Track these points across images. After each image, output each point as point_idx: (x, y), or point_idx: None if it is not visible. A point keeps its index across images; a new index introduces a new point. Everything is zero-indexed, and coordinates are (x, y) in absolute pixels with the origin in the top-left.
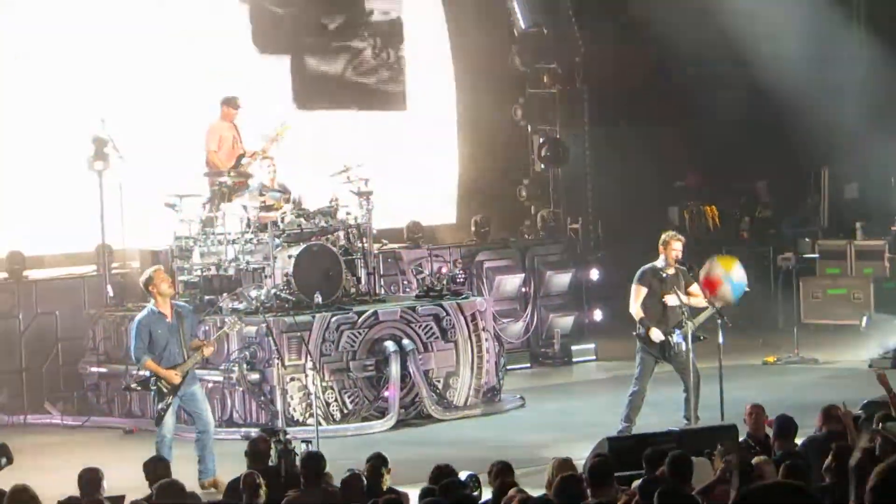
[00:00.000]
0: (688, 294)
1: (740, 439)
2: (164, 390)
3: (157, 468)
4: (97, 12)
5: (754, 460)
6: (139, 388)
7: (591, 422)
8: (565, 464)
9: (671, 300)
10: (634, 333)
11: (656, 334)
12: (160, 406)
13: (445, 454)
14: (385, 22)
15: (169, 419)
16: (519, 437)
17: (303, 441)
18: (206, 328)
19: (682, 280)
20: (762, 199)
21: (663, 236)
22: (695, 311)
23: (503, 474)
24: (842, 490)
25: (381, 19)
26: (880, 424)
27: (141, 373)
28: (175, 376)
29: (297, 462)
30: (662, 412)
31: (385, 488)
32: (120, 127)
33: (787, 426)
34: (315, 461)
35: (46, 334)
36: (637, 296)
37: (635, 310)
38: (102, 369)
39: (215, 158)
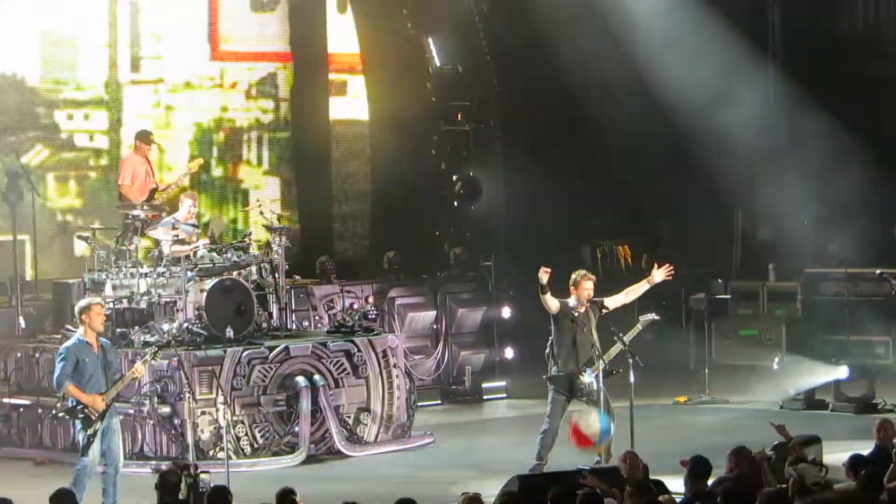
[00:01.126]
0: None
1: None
2: (92, 417)
3: (63, 500)
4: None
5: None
6: (66, 415)
7: (501, 459)
8: (474, 500)
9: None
10: (545, 377)
11: (588, 377)
12: (88, 433)
13: (354, 490)
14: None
15: (95, 448)
16: (429, 473)
17: (201, 472)
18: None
19: (593, 317)
20: (665, 238)
21: (574, 276)
22: (605, 348)
23: None
24: None
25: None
26: (792, 467)
27: (67, 401)
28: (100, 401)
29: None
30: (575, 450)
31: None
32: (33, 159)
33: (700, 467)
34: (221, 496)
35: None
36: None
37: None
38: (14, 400)
39: (129, 192)
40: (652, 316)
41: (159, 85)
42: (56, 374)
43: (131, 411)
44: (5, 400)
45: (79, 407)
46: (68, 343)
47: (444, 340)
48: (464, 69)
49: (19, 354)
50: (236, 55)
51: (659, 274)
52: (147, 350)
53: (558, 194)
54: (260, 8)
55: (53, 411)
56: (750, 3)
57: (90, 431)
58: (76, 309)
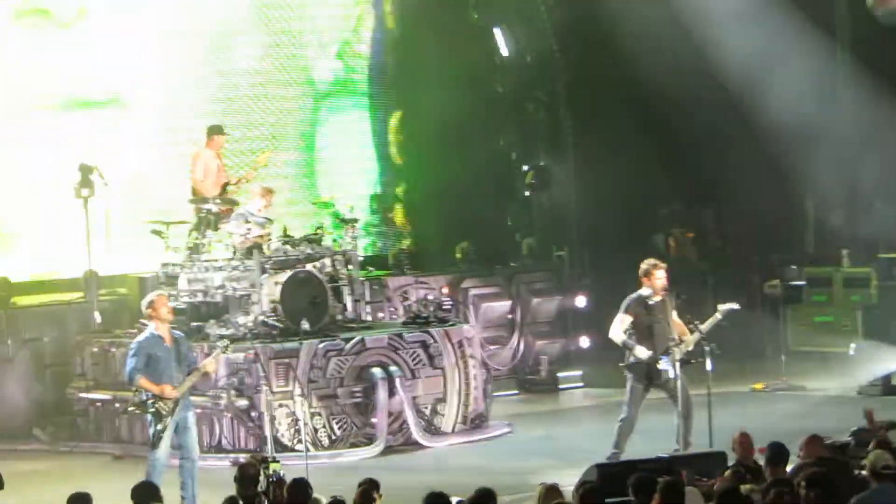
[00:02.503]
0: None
1: (729, 465)
2: (163, 412)
3: (146, 493)
4: (83, 38)
5: (743, 489)
6: (137, 410)
7: (578, 448)
8: (552, 490)
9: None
10: (621, 364)
11: (642, 351)
12: (158, 427)
13: (432, 480)
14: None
15: (165, 443)
16: (506, 463)
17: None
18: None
19: (668, 307)
20: (709, 228)
21: (644, 266)
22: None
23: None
24: None
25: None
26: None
27: (139, 396)
28: (170, 391)
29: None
30: (652, 439)
31: None
32: (106, 153)
33: (779, 453)
34: (301, 488)
35: (35, 361)
36: (620, 323)
37: (616, 335)
38: (91, 395)
39: (201, 187)
40: (731, 305)
41: None
42: (127, 369)
43: (209, 405)
44: (82, 395)
45: (150, 401)
46: (140, 338)
47: (520, 330)
48: (532, 59)
49: (95, 349)
50: None
51: (707, 325)
52: (219, 344)
53: (629, 182)
54: None
55: (122, 406)
56: None
57: (160, 426)
58: (142, 305)
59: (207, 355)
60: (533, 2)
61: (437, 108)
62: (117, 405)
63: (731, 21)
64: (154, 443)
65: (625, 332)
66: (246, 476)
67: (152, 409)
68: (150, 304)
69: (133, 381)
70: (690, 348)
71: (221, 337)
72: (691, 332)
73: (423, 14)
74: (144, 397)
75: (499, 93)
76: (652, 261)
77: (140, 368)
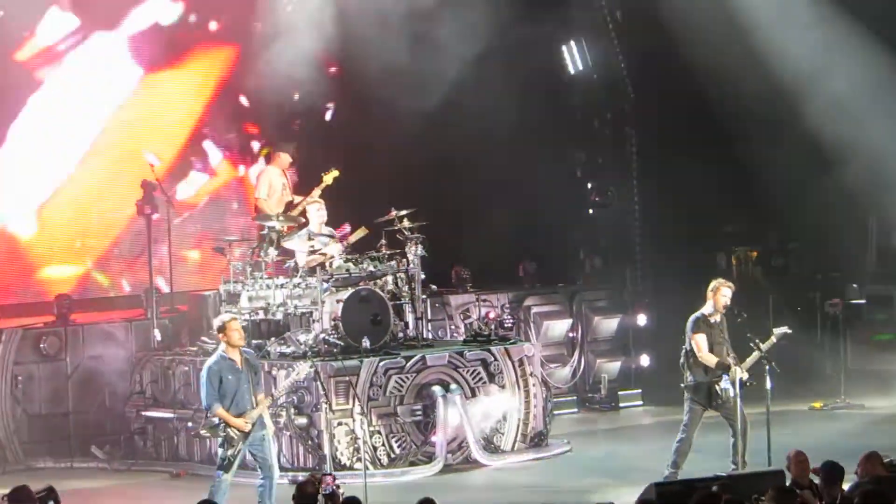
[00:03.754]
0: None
1: (786, 484)
2: (234, 437)
3: None
4: (148, 58)
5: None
6: (209, 434)
7: (637, 467)
8: None
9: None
10: (683, 385)
11: (724, 383)
12: (229, 453)
13: (492, 499)
14: None
15: (234, 467)
16: (566, 482)
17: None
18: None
19: (725, 326)
20: (773, 247)
21: (713, 283)
22: (742, 356)
23: None
24: None
25: None
26: None
27: (211, 420)
28: (245, 424)
29: None
30: (710, 457)
31: None
32: (169, 171)
33: (833, 472)
34: None
35: (93, 378)
36: (703, 345)
37: (708, 358)
38: (149, 413)
39: (264, 205)
40: (784, 329)
41: None
42: (203, 396)
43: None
44: (142, 413)
45: (221, 425)
46: (210, 361)
47: (580, 348)
48: (599, 76)
49: (155, 367)
50: None
51: (767, 345)
52: (307, 365)
53: (693, 200)
54: None
55: (197, 429)
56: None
57: (230, 452)
58: (214, 328)
59: (291, 372)
60: (602, 19)
61: (505, 124)
62: (176, 423)
63: (798, 38)
64: (224, 466)
65: (682, 353)
66: (305, 495)
67: (223, 433)
68: (222, 328)
69: (210, 408)
70: (749, 367)
71: (282, 355)
72: (751, 350)
73: (493, 28)
74: (217, 422)
75: (566, 109)
76: (722, 280)
77: (215, 395)
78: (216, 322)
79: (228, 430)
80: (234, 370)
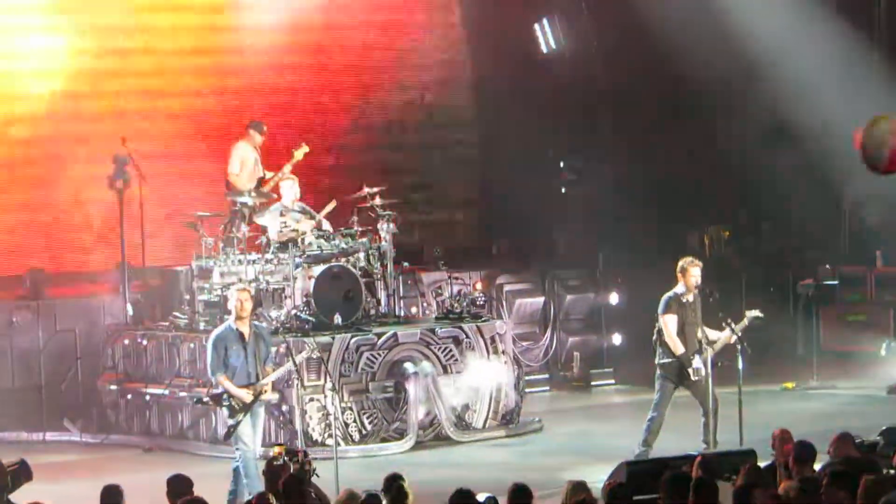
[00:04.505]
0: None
1: (765, 464)
2: (236, 408)
3: (180, 486)
4: (117, 31)
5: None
6: (211, 402)
7: (609, 445)
8: (579, 486)
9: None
10: (657, 362)
11: (697, 362)
12: (231, 422)
13: (463, 476)
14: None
15: (247, 430)
16: (536, 460)
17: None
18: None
19: (699, 305)
20: (745, 227)
21: (681, 263)
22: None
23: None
24: None
25: None
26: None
27: (215, 389)
28: (247, 395)
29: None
30: (681, 436)
31: None
32: (141, 145)
33: (805, 452)
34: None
35: (66, 352)
36: (671, 326)
37: (675, 342)
38: (122, 387)
39: (236, 180)
40: (756, 312)
41: None
42: (209, 364)
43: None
44: (113, 387)
45: (224, 395)
46: (217, 331)
47: (552, 327)
48: (571, 55)
49: (127, 342)
50: None
51: (739, 327)
52: (308, 343)
53: (665, 179)
54: None
55: (201, 397)
56: None
57: (232, 421)
58: (228, 298)
59: (299, 352)
60: None
61: (475, 103)
62: (148, 398)
63: (770, 20)
64: (229, 434)
65: (655, 331)
66: (273, 471)
67: (226, 404)
68: (229, 299)
69: (214, 377)
70: (720, 347)
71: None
72: (726, 332)
73: (467, 7)
74: (220, 391)
75: (538, 87)
76: (689, 258)
77: (220, 364)
78: (228, 293)
79: (231, 400)
80: (239, 342)
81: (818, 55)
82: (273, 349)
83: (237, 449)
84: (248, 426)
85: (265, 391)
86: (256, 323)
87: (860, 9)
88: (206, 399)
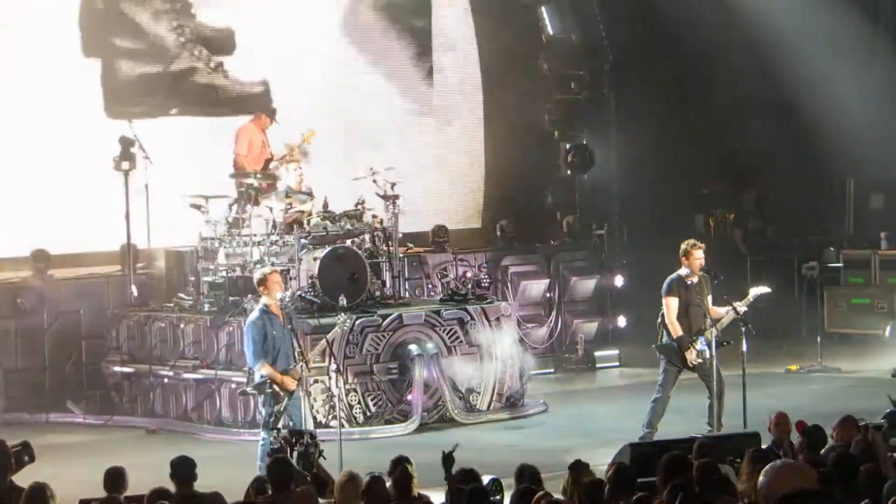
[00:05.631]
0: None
1: (764, 447)
2: (280, 394)
3: (184, 467)
4: (122, 15)
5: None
6: (255, 391)
7: (613, 427)
8: (583, 467)
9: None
10: (654, 346)
11: (690, 356)
12: (277, 408)
13: (467, 458)
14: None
15: (295, 413)
16: (541, 442)
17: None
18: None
19: (706, 288)
20: (749, 210)
21: (683, 246)
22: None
23: (530, 479)
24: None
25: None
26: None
27: (256, 377)
28: (291, 382)
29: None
30: (686, 419)
31: (416, 493)
32: (146, 127)
33: (816, 436)
34: (284, 468)
35: (70, 333)
36: (671, 309)
37: (674, 324)
38: (126, 369)
39: (244, 161)
40: (763, 289)
41: None
42: (250, 352)
43: (244, 380)
44: (117, 368)
45: (267, 382)
46: (253, 317)
47: (557, 309)
48: (577, 38)
49: (131, 323)
50: None
51: (742, 305)
52: (339, 320)
53: (671, 162)
54: None
55: (244, 388)
56: None
57: (278, 407)
58: (255, 281)
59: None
60: None
61: (482, 85)
62: (152, 379)
63: (776, 5)
64: (269, 423)
65: (660, 313)
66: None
67: (269, 390)
68: (263, 281)
69: (257, 364)
70: (724, 327)
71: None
72: (728, 311)
73: None
74: (262, 379)
75: (543, 70)
76: (691, 241)
77: (261, 351)
78: (256, 275)
79: (274, 386)
80: (277, 324)
81: (826, 42)
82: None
83: (264, 431)
84: (295, 409)
85: (304, 373)
86: (286, 303)
87: None
88: (249, 390)
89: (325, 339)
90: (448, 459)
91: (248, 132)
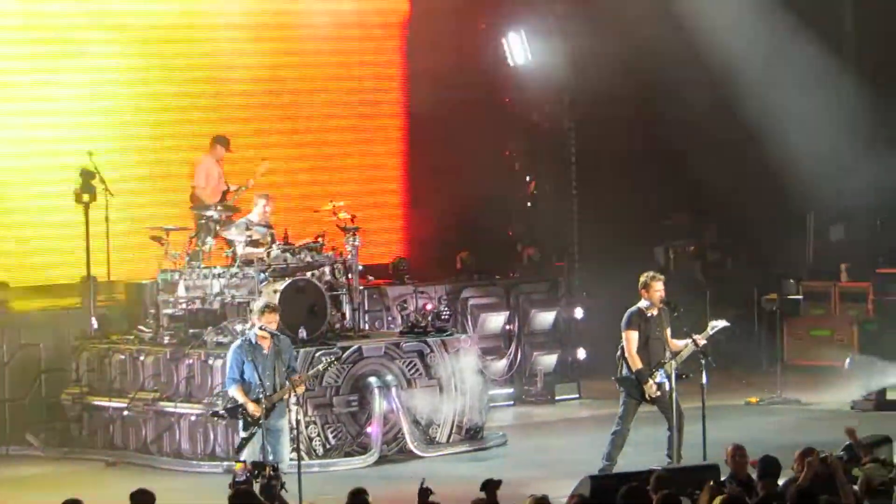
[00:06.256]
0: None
1: (723, 479)
2: (249, 420)
3: (143, 499)
4: (85, 44)
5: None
6: (227, 415)
7: (573, 460)
8: (542, 501)
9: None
10: (614, 378)
11: (650, 389)
12: (244, 435)
13: None
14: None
15: (250, 449)
16: (501, 474)
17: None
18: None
19: (665, 320)
20: (709, 242)
21: (643, 278)
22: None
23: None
24: None
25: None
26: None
27: (232, 401)
28: (256, 409)
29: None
30: (645, 451)
31: None
32: (107, 159)
33: (770, 467)
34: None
35: (30, 365)
36: (631, 342)
37: (633, 358)
38: (86, 401)
39: (202, 194)
40: (722, 322)
41: None
42: (228, 375)
43: (203, 412)
44: (77, 401)
45: (240, 408)
46: (237, 343)
47: (517, 341)
48: (538, 69)
49: (91, 355)
50: None
51: (702, 337)
52: (323, 359)
53: (631, 194)
54: None
55: (216, 409)
56: (826, 7)
57: (245, 434)
58: (255, 308)
59: (315, 366)
60: (543, 12)
61: (443, 115)
62: (112, 411)
63: (737, 37)
64: (238, 448)
65: (619, 346)
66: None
67: (241, 416)
68: (260, 313)
69: (228, 388)
70: (684, 360)
71: (219, 344)
72: (687, 344)
73: (435, 19)
74: (237, 403)
75: (505, 101)
76: (651, 273)
77: (237, 376)
78: (258, 303)
79: (244, 412)
80: (260, 354)
81: (787, 74)
82: (294, 359)
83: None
84: (255, 442)
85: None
86: (278, 335)
87: (829, 23)
88: (221, 412)
89: (315, 370)
90: (424, 493)
91: (206, 164)
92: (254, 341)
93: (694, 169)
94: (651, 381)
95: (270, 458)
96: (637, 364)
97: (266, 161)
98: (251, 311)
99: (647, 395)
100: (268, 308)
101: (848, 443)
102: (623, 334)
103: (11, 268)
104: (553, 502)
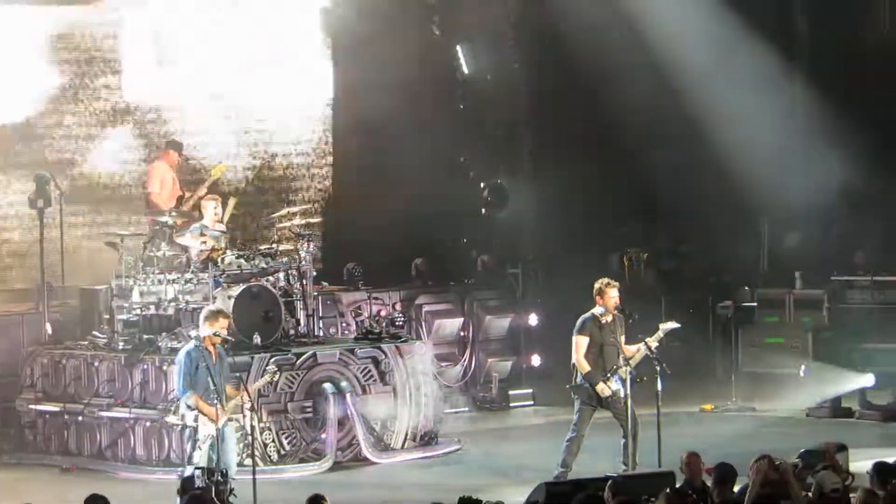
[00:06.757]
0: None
1: (678, 486)
2: (202, 429)
3: None
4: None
5: None
6: (178, 422)
7: (528, 466)
8: None
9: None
10: (568, 386)
11: (602, 389)
12: (197, 439)
13: (381, 497)
14: None
15: (201, 455)
16: (455, 480)
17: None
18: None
19: (620, 327)
20: (664, 249)
21: (597, 285)
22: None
23: None
24: None
25: None
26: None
27: (184, 410)
28: (216, 415)
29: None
30: (600, 458)
31: None
32: (61, 165)
33: (725, 474)
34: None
35: None
36: (580, 347)
37: (581, 363)
38: (40, 407)
39: (158, 199)
40: (672, 324)
41: None
42: (179, 381)
43: (158, 418)
44: (31, 406)
45: (193, 415)
46: (188, 347)
47: (472, 347)
48: (492, 77)
49: (45, 361)
50: None
51: (653, 340)
52: (269, 369)
53: (586, 202)
54: None
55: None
56: (777, 9)
57: (197, 443)
58: (202, 316)
59: (263, 375)
60: (497, 20)
61: (396, 123)
62: (66, 417)
63: (689, 44)
64: (189, 457)
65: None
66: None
67: (192, 424)
68: (212, 319)
69: (185, 394)
70: (638, 363)
71: (173, 350)
72: (639, 348)
73: (386, 27)
74: (188, 410)
75: (459, 109)
76: (605, 280)
77: (191, 382)
78: (211, 308)
79: (197, 421)
80: (209, 361)
81: (739, 79)
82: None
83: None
84: (229, 450)
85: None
86: (217, 346)
87: (781, 29)
88: (171, 419)
89: (265, 380)
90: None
91: (160, 170)
92: (203, 347)
93: (648, 176)
94: (603, 384)
95: (214, 464)
96: (585, 368)
97: (222, 165)
98: (204, 315)
99: (601, 399)
100: (221, 313)
101: (803, 450)
102: (573, 339)
103: None
104: None
